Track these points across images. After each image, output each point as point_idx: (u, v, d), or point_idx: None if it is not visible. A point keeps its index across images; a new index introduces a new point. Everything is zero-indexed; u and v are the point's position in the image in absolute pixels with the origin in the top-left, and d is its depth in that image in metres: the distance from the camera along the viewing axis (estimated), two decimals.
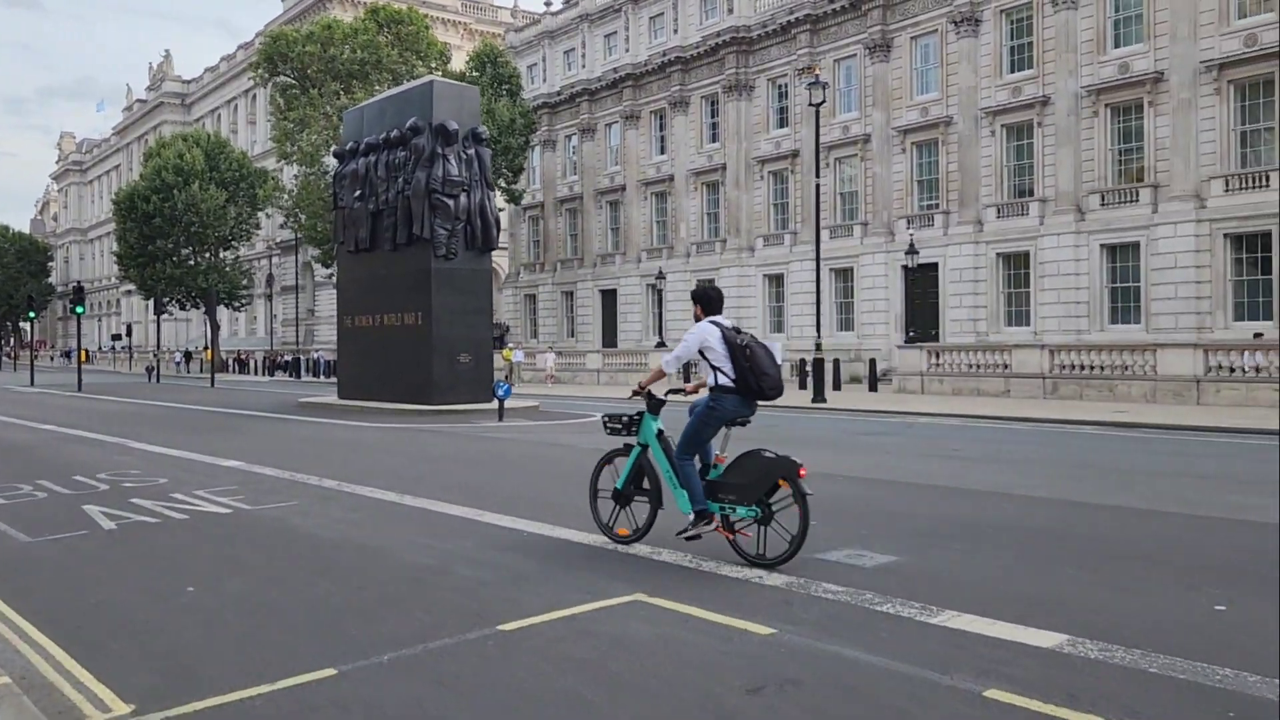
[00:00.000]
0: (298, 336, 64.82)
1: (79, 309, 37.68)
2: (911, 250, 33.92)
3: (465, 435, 16.92)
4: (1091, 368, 25.70)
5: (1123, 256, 32.76)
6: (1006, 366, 27.78)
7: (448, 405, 21.89)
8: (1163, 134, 31.51)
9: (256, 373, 65.97)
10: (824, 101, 27.91)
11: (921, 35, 38.84)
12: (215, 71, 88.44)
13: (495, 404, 20.71)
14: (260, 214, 69.58)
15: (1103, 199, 33.08)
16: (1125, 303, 32.66)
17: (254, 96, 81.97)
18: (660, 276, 44.59)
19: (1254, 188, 29.28)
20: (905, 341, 38.82)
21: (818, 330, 28.43)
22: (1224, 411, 20.93)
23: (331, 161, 49.96)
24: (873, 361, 33.42)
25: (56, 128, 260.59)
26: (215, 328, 71.61)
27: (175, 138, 69.22)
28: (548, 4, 57.91)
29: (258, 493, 10.25)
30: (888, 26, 39.66)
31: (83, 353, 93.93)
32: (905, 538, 7.45)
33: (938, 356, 29.79)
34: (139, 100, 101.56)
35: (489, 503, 9.17)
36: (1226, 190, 29.92)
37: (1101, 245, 33.02)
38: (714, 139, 47.84)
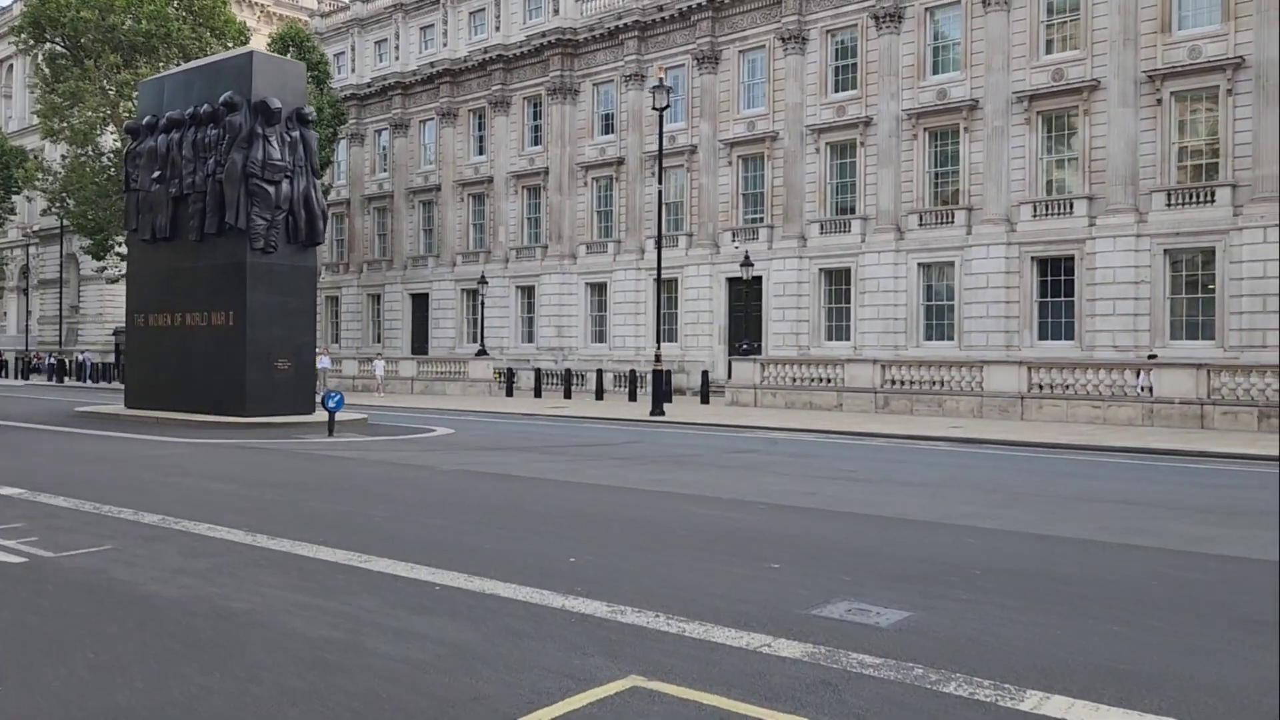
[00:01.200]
0: (61, 336, 58.22)
1: None
2: (746, 263, 33.86)
3: (299, 454, 14.83)
4: (920, 383, 26.22)
5: (938, 275, 33.97)
6: (837, 381, 27.99)
7: (263, 417, 19.44)
8: (977, 159, 32.88)
9: (7, 375, 58.74)
10: (668, 106, 27.26)
11: (750, 50, 39.08)
12: None
13: (316, 416, 18.56)
14: (16, 198, 62.26)
15: (920, 219, 34.19)
16: (940, 320, 33.85)
17: (10, 67, 73.48)
18: (483, 281, 42.79)
19: (1059, 214, 30.97)
20: (733, 353, 38.87)
21: (657, 341, 27.75)
22: (1053, 427, 21.65)
23: (108, 142, 45.32)
24: (705, 374, 33.09)
25: None
26: None
27: None
28: None
29: (55, 532, 8.12)
30: (716, 39, 39.69)
31: None
32: (894, 584, 6.48)
33: (770, 369, 29.70)
34: None
35: (372, 544, 7.54)
36: (1034, 215, 31.51)
37: (919, 264, 34.11)
38: (536, 142, 46.52)
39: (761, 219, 38.78)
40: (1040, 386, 23.87)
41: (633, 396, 33.76)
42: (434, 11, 50.51)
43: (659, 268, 27.99)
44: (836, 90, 36.81)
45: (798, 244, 36.99)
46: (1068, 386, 23.14)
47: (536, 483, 11.70)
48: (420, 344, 50.54)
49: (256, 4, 67.91)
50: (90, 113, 40.65)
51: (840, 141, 36.57)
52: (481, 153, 48.80)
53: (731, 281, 39.28)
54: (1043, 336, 31.42)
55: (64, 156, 44.18)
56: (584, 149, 44.62)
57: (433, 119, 50.57)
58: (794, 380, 29.05)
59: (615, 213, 43.75)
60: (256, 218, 19.60)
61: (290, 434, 17.68)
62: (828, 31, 36.80)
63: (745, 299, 38.78)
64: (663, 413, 25.93)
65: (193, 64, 24.54)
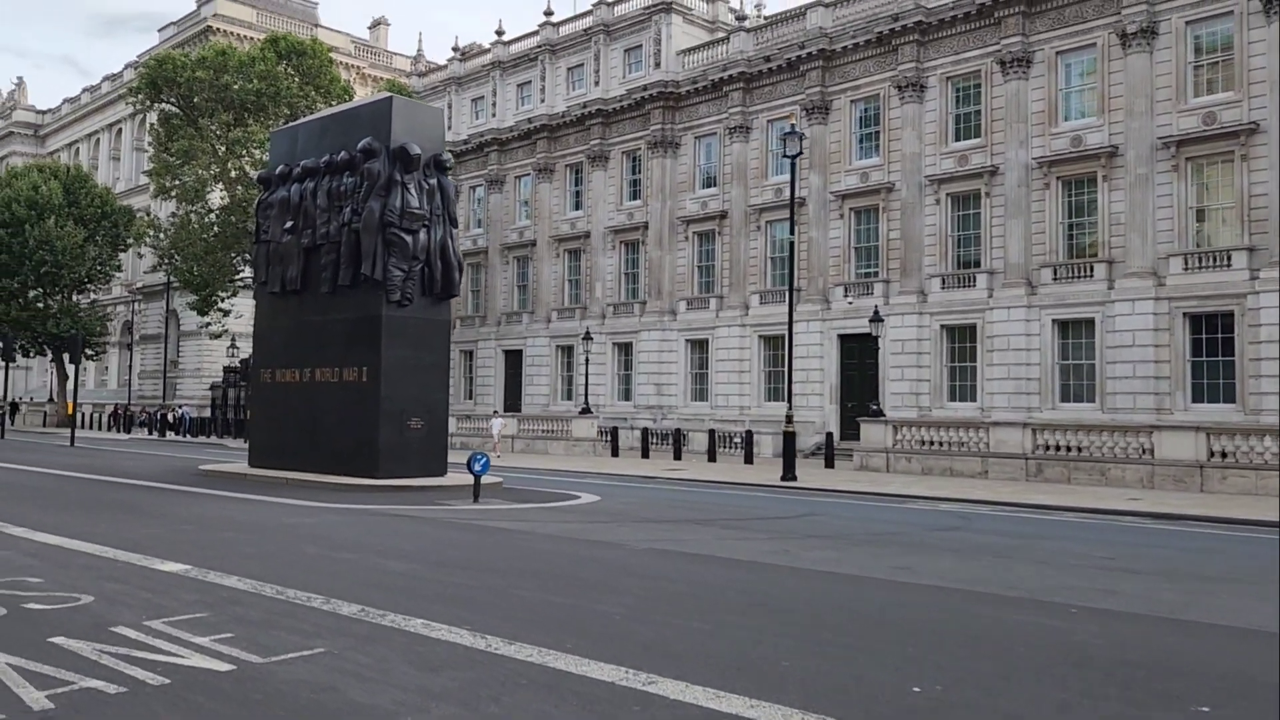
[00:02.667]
0: (165, 390, 58.78)
1: None
2: (876, 318, 32.16)
3: (458, 524, 13.53)
4: (1077, 449, 24.20)
5: (1076, 333, 31.92)
6: (979, 444, 26.08)
7: (396, 480, 18.34)
8: (1117, 209, 31.00)
9: (106, 428, 59.39)
10: (800, 153, 26.06)
11: (863, 99, 37.89)
12: (75, 103, 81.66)
13: (451, 479, 17.41)
14: (122, 255, 63.64)
15: (1055, 273, 32.29)
16: (1079, 380, 31.74)
17: (119, 131, 75.87)
18: (586, 337, 41.78)
19: (1215, 267, 28.86)
20: (849, 413, 37.15)
21: (788, 401, 26.10)
22: (1244, 500, 19.52)
23: (214, 199, 45.79)
24: (829, 436, 31.40)
25: None
26: (64, 377, 64.67)
27: (30, 168, 62.90)
28: (455, 49, 55.23)
29: (249, 626, 6.90)
30: (826, 88, 38.61)
31: None
32: None
33: (903, 432, 27.91)
34: None
35: (638, 656, 6.12)
36: (1185, 269, 29.44)
37: (1054, 320, 32.13)
38: (635, 196, 45.76)
39: (876, 273, 37.21)
40: (1222, 454, 21.71)
41: (748, 459, 32.18)
42: (532, 69, 50.47)
43: (790, 324, 26.49)
44: (957, 139, 35.32)
45: (917, 299, 35.28)
46: (1259, 454, 20.96)
47: (756, 569, 10.18)
48: (514, 401, 49.66)
49: (353, 66, 69.17)
50: (201, 170, 41.03)
51: (962, 192, 34.98)
52: (578, 208, 48.21)
53: (844, 338, 37.71)
54: (1197, 399, 29.12)
55: (173, 214, 44.67)
56: (685, 203, 43.70)
57: (529, 174, 50.27)
58: (929, 443, 27.22)
59: (717, 268, 42.57)
60: (393, 268, 18.73)
61: (432, 499, 16.48)
62: (947, 78, 35.46)
63: (859, 356, 37.14)
64: (794, 477, 24.32)
65: (328, 111, 24.11)
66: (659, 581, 9.17)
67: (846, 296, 37.53)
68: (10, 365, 74.04)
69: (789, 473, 24.41)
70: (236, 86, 41.07)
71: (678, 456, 33.57)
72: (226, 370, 54.07)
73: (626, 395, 44.85)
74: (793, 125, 25.62)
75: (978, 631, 7.36)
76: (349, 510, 14.73)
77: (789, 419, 25.28)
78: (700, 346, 42.77)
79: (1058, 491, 21.30)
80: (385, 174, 18.80)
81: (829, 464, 29.58)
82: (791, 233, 26.94)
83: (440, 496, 16.90)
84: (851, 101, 38.21)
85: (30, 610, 7.39)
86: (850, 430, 36.29)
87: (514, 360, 50.51)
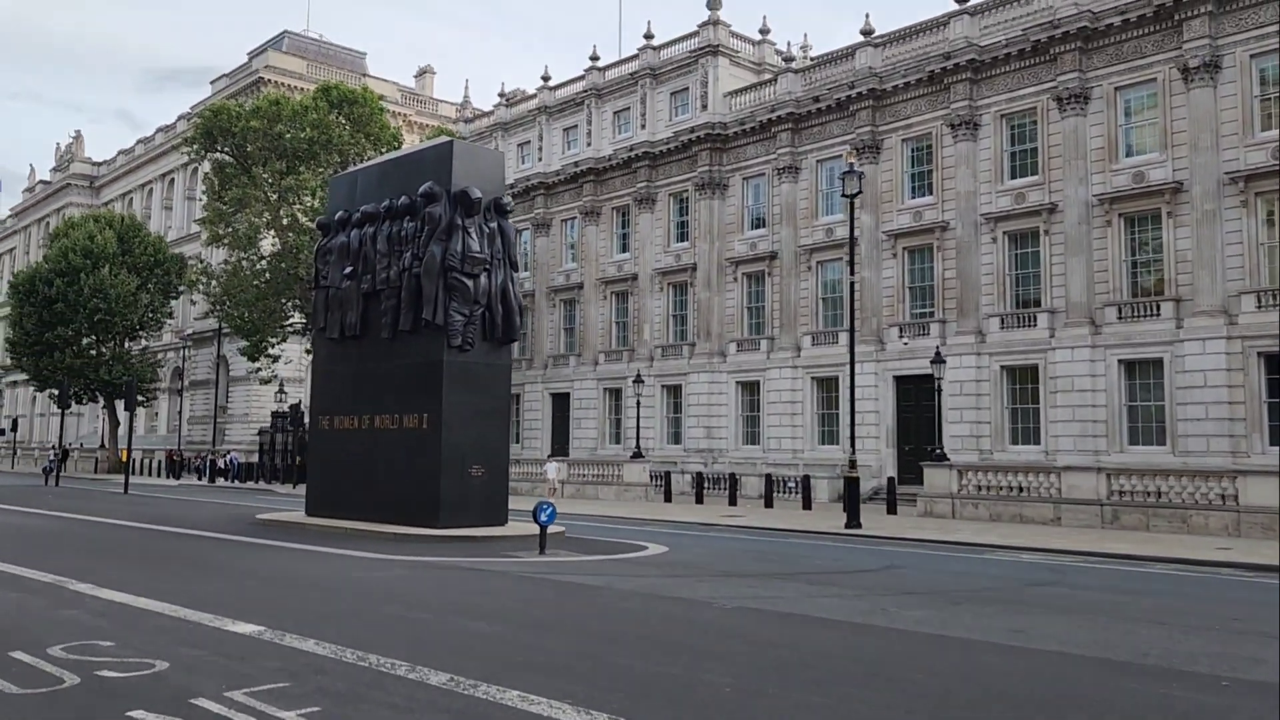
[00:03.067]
0: (215, 436, 59.16)
1: None
2: (938, 359, 31.41)
3: (531, 579, 13.02)
4: (1157, 494, 23.25)
5: (1143, 373, 30.96)
6: (1049, 490, 25.19)
7: (457, 529, 17.92)
8: (1184, 246, 30.17)
9: (156, 474, 59.82)
10: (860, 192, 25.62)
11: (915, 138, 37.46)
12: (130, 154, 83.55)
13: (511, 529, 16.96)
14: (174, 302, 64.52)
15: (1119, 312, 31.43)
16: (1147, 422, 30.72)
17: (171, 181, 77.41)
18: (638, 380, 41.35)
19: None
20: (907, 456, 36.33)
21: (852, 444, 25.36)
22: None
23: (265, 246, 46.22)
24: (891, 481, 30.61)
25: None
26: (115, 424, 65.40)
27: (86, 218, 64.19)
28: (501, 95, 55.71)
29: (335, 699, 6.46)
30: (877, 128, 38.25)
31: None
32: None
33: (969, 477, 27.08)
34: (42, 182, 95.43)
35: None
36: (1259, 306, 28.49)
37: (1120, 360, 31.20)
38: (683, 238, 45.54)
39: (931, 313, 36.51)
40: None
41: (806, 504, 31.45)
42: (578, 113, 50.69)
43: (851, 365, 25.89)
44: (1013, 176, 34.73)
45: (975, 339, 34.51)
46: None
47: (859, 631, 9.53)
48: (561, 444, 49.27)
49: (400, 114, 70.07)
50: (254, 218, 41.48)
51: (1020, 230, 34.30)
52: (625, 250, 48.07)
53: (899, 380, 36.96)
54: (1275, 441, 27.99)
55: (225, 261, 45.15)
56: (733, 244, 43.39)
57: (575, 217, 50.30)
58: (997, 489, 26.36)
59: (768, 309, 42.09)
60: (455, 313, 18.47)
61: (497, 550, 16.02)
62: (1002, 116, 34.95)
63: (915, 398, 36.36)
64: (859, 524, 23.61)
65: (387, 156, 24.13)
66: (760, 646, 8.60)
67: (901, 337, 36.85)
68: (64, 412, 75.14)
69: (854, 520, 23.70)
70: (289, 135, 41.57)
71: (733, 502, 32.90)
72: (274, 415, 54.31)
73: (676, 438, 44.30)
74: (850, 164, 25.23)
75: (1133, 711, 6.71)
76: (416, 564, 14.30)
77: (852, 464, 24.60)
78: (751, 389, 42.19)
79: (1139, 540, 20.41)
80: (446, 218, 18.63)
81: (891, 510, 28.76)
82: (851, 273, 26.31)
83: (505, 547, 16.44)
84: (903, 140, 37.79)
85: (105, 679, 7.02)
86: (909, 474, 35.48)
87: (561, 403, 50.21)
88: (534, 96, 53.57)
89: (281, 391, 52.49)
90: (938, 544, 20.23)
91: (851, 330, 26.40)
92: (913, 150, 37.72)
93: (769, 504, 32.30)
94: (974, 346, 34.42)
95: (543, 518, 15.16)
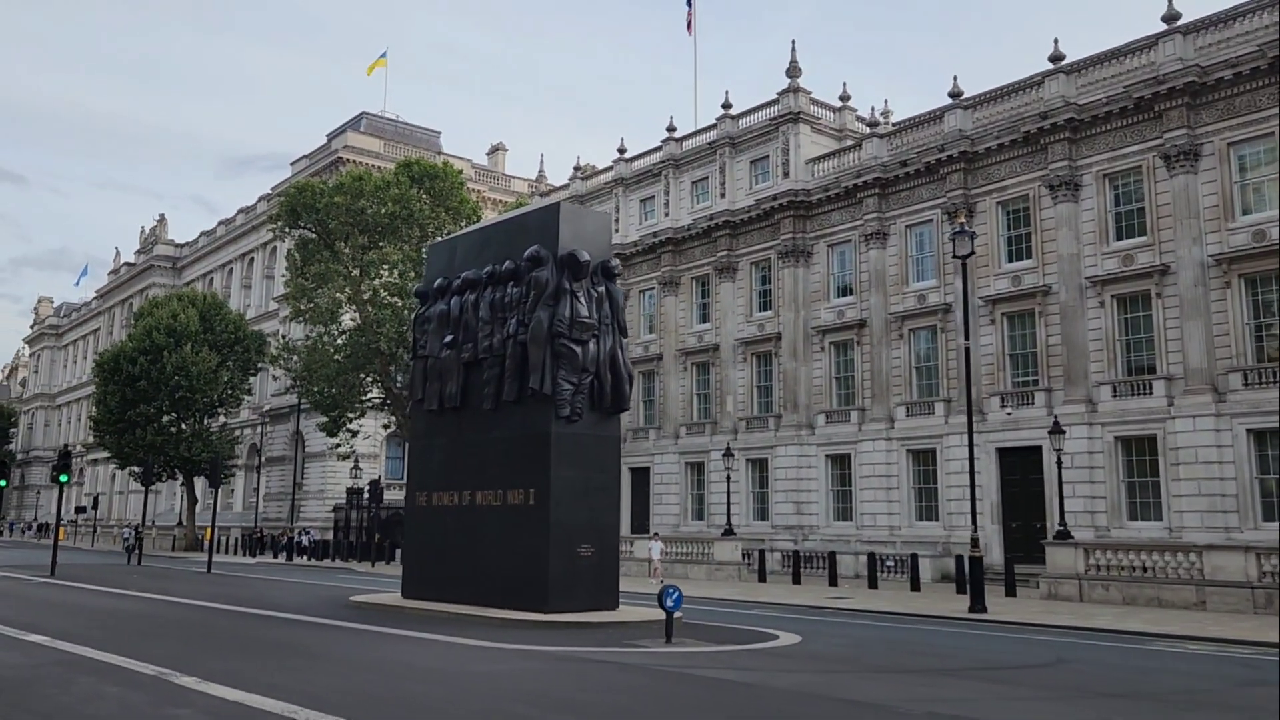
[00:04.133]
0: (292, 513, 58.93)
1: (64, 477, 32.30)
2: (1056, 429, 29.58)
3: (674, 675, 11.60)
4: None
5: (1275, 444, 28.83)
6: (1191, 571, 23.17)
7: (567, 614, 16.68)
8: None
9: (233, 551, 59.59)
10: (971, 254, 24.38)
11: (1010, 200, 36.19)
12: (211, 235, 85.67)
13: (623, 614, 15.69)
14: (252, 379, 65.10)
15: (1245, 378, 29.48)
16: None
17: (251, 260, 78.99)
18: (728, 454, 39.98)
19: None
20: (1008, 534, 34.36)
21: (973, 522, 23.65)
22: None
23: (348, 320, 46.21)
24: (1010, 562, 28.69)
25: (25, 297, 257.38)
26: (193, 501, 65.67)
27: (170, 297, 65.48)
28: (577, 168, 55.82)
29: None
30: (969, 190, 37.08)
31: (45, 526, 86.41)
32: None
33: (1097, 556, 25.14)
34: (126, 264, 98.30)
35: None
36: None
37: (1248, 430, 29.15)
38: (765, 307, 44.51)
39: (1035, 382, 34.79)
40: None
41: (914, 585, 29.61)
42: (655, 184, 50.42)
43: (970, 431, 24.26)
44: (1119, 238, 33.21)
45: (1085, 409, 32.66)
46: None
47: None
48: (641, 521, 47.88)
49: (473, 190, 70.78)
50: (336, 293, 41.53)
51: (1129, 293, 32.64)
52: (705, 320, 47.16)
53: (1002, 452, 35.13)
54: None
55: (306, 336, 45.23)
56: (819, 312, 42.22)
57: (653, 288, 49.66)
58: (1129, 569, 24.37)
59: (857, 379, 40.67)
60: (563, 381, 17.51)
61: (618, 638, 14.73)
62: (1104, 175, 33.58)
63: (1020, 471, 34.51)
64: (984, 608, 21.84)
65: (488, 222, 23.62)
66: None
67: (1004, 407, 35.11)
68: (154, 490, 75.88)
69: (978, 603, 21.96)
70: (371, 210, 41.75)
71: (833, 582, 31.16)
72: (349, 491, 53.89)
73: (763, 514, 42.70)
74: (962, 224, 24.05)
75: None
76: (536, 654, 13.09)
77: (974, 542, 22.90)
78: (841, 462, 40.58)
79: None
80: (553, 282, 17.80)
81: (1010, 591, 26.79)
82: (965, 337, 24.93)
83: (624, 635, 15.15)
84: (998, 203, 36.55)
85: None
86: (1016, 553, 33.51)
87: (641, 478, 48.93)
88: (609, 169, 53.55)
89: (356, 467, 52.11)
90: (1082, 631, 18.46)
91: (969, 398, 24.93)
92: (1008, 213, 36.43)
93: (873, 584, 30.49)
94: (1084, 416, 32.57)
95: (669, 603, 13.89)
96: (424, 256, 42.86)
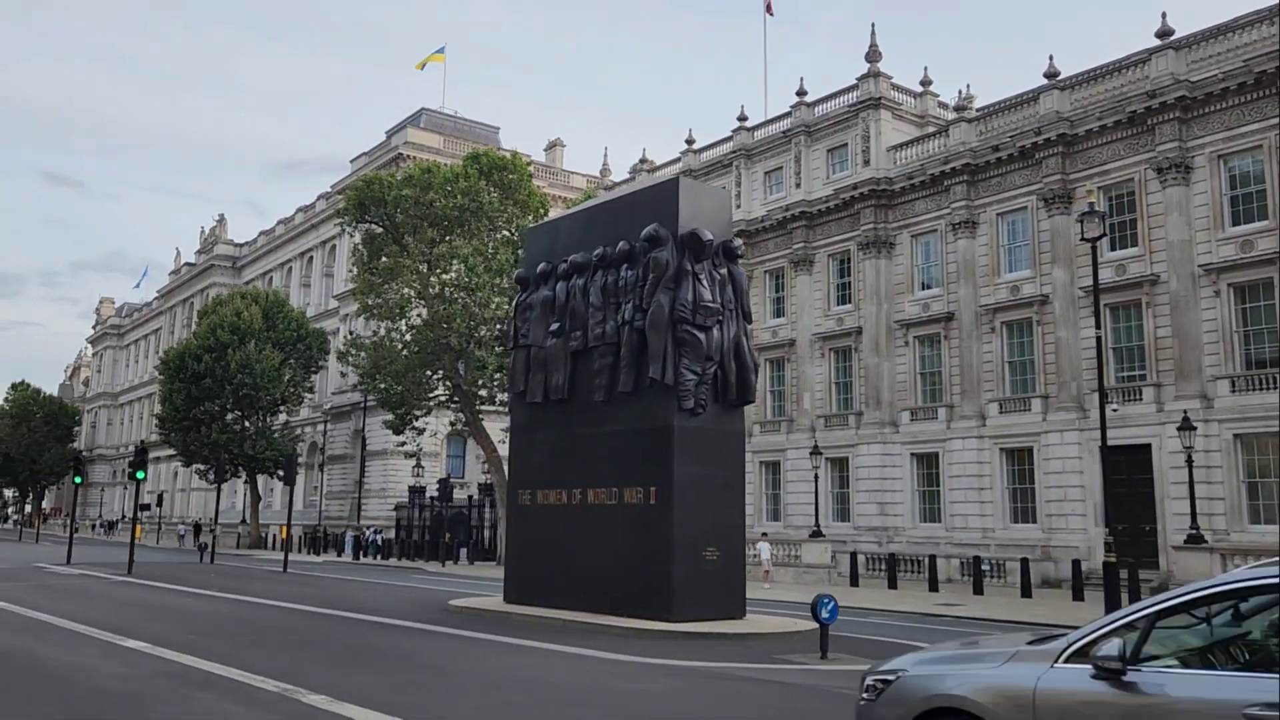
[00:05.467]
0: (355, 511, 58.44)
1: (140, 474, 31.70)
2: (1186, 425, 27.76)
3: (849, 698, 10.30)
4: None
5: None
6: None
7: (692, 623, 15.33)
8: None
9: (297, 550, 59.13)
10: (1103, 235, 22.67)
11: (1111, 184, 34.24)
12: (270, 235, 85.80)
13: (749, 622, 14.33)
14: (314, 377, 64.79)
15: None
16: None
17: (310, 259, 78.85)
18: (816, 451, 38.48)
19: None
20: (1114, 537, 32.43)
21: (1106, 524, 21.95)
22: None
23: (416, 315, 45.29)
24: (1133, 567, 26.82)
25: (84, 299, 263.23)
26: (257, 499, 65.53)
27: (233, 294, 65.44)
28: (642, 160, 54.56)
29: None
30: (1068, 175, 35.18)
31: (112, 524, 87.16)
32: None
33: (1233, 561, 23.29)
34: (187, 264, 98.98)
35: None
36: None
37: None
38: (844, 300, 42.89)
39: (1144, 376, 32.84)
40: None
41: (1025, 591, 27.92)
42: (725, 175, 48.98)
43: (1103, 428, 22.51)
44: (1236, 223, 31.18)
45: (1200, 405, 30.67)
46: None
47: None
48: None
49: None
50: (405, 288, 40.67)
51: (1249, 282, 30.63)
52: (780, 315, 45.65)
53: (1106, 451, 33.12)
54: None
55: (375, 332, 44.45)
56: (903, 305, 40.52)
57: None
58: None
59: (945, 374, 38.90)
60: (686, 371, 16.17)
61: (763, 652, 13.36)
62: (1219, 156, 31.57)
63: (1127, 471, 32.53)
64: None
65: (593, 202, 22.34)
66: None
67: (1110, 403, 33.13)
68: (212, 486, 75.99)
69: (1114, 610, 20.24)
70: (440, 203, 40.81)
71: (934, 587, 29.54)
72: (412, 490, 53.15)
73: (843, 515, 41.10)
74: (1091, 204, 22.29)
75: None
76: (680, 670, 11.78)
77: (1108, 546, 21.21)
78: (928, 461, 38.87)
79: None
80: (674, 264, 16.45)
81: (1135, 598, 24.95)
82: (1097, 325, 23.21)
83: (770, 649, 13.78)
84: (1099, 188, 34.56)
85: None
86: (1123, 556, 31.61)
87: None
88: (677, 160, 52.19)
89: (419, 465, 51.31)
90: None
91: (1101, 392, 23.12)
92: (1110, 198, 34.48)
93: (978, 590, 28.81)
94: (1200, 413, 30.56)
95: (824, 615, 12.51)
96: (492, 251, 42.05)
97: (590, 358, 17.82)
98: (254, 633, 15.65)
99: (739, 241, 18.32)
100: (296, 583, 28.41)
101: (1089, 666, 5.06)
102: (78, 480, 30.71)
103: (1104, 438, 22.29)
